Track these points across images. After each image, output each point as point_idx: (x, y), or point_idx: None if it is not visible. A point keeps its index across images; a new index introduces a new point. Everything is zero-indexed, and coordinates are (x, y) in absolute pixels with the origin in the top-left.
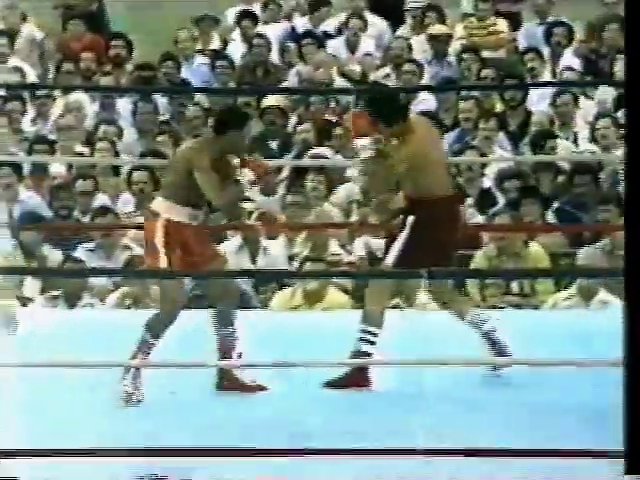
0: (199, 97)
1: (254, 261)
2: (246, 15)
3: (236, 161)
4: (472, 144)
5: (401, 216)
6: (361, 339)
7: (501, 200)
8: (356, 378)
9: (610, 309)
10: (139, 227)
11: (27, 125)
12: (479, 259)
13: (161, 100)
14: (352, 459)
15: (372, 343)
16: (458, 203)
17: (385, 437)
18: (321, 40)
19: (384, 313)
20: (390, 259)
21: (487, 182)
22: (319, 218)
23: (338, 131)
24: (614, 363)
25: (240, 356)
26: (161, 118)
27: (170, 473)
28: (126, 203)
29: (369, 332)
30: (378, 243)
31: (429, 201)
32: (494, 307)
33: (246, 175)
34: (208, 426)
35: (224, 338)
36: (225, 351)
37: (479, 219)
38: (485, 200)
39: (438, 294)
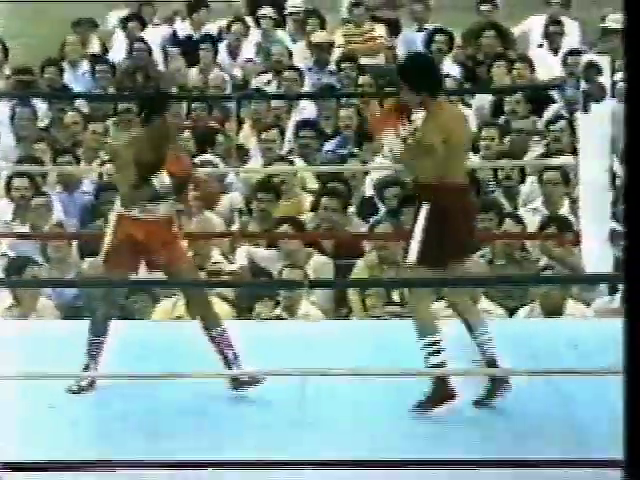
0: (80, 103)
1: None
2: (132, 18)
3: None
4: (354, 152)
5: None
6: (427, 354)
7: (382, 208)
8: (443, 394)
9: (492, 317)
10: (19, 236)
11: None
12: (360, 268)
13: (41, 106)
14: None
15: (438, 352)
16: (471, 193)
17: None
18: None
19: (434, 318)
20: (411, 257)
21: (369, 190)
22: (201, 227)
23: (220, 138)
24: (614, 372)
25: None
26: (40, 124)
27: None
28: (3, 211)
29: (430, 344)
30: (260, 252)
31: (448, 188)
32: (376, 317)
33: (164, 180)
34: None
35: None
36: None
37: (361, 228)
38: (366, 208)
39: (453, 302)
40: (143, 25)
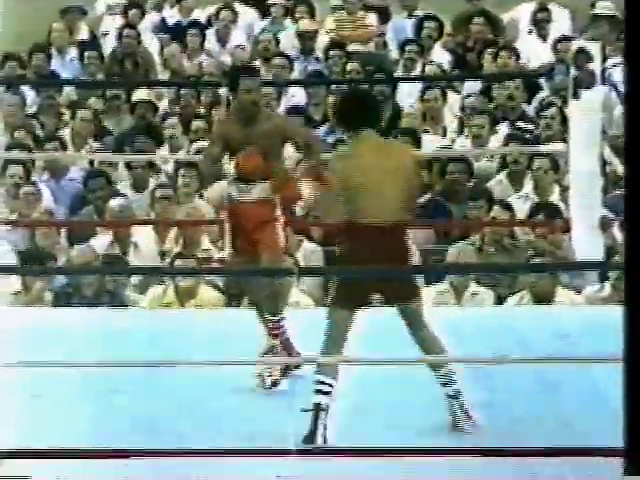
0: (69, 89)
1: (124, 257)
2: (133, 6)
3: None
4: (342, 139)
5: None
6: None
7: None
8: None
9: (482, 302)
10: (7, 222)
11: None
12: None
13: (29, 93)
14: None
15: (326, 393)
16: (390, 233)
17: None
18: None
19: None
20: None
21: None
22: (190, 214)
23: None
24: (614, 360)
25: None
26: (28, 111)
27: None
28: None
29: (321, 382)
30: None
31: (357, 228)
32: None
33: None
34: None
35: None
36: None
37: None
38: None
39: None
40: (143, 13)
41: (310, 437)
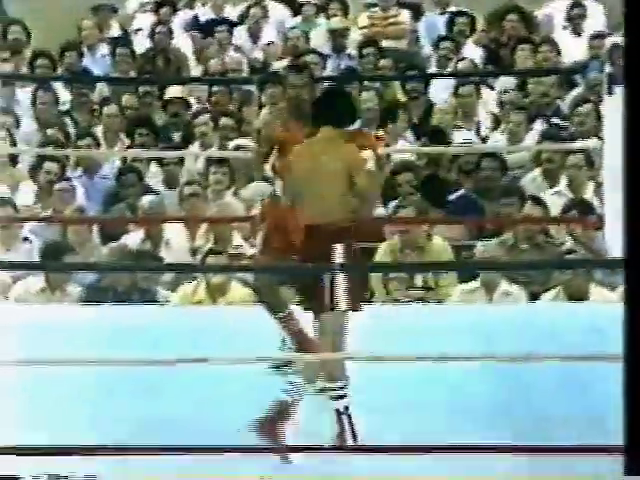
0: (101, 87)
1: (156, 254)
2: (165, 3)
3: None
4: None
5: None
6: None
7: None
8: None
9: (513, 301)
10: (40, 219)
11: None
12: (382, 252)
13: (61, 90)
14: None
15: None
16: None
17: None
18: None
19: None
20: None
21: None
22: (221, 211)
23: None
24: (614, 358)
25: None
26: (61, 108)
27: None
28: (26, 194)
29: (341, 391)
30: None
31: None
32: (398, 301)
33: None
34: None
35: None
36: None
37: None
38: (387, 193)
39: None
40: (174, 10)
41: (340, 436)
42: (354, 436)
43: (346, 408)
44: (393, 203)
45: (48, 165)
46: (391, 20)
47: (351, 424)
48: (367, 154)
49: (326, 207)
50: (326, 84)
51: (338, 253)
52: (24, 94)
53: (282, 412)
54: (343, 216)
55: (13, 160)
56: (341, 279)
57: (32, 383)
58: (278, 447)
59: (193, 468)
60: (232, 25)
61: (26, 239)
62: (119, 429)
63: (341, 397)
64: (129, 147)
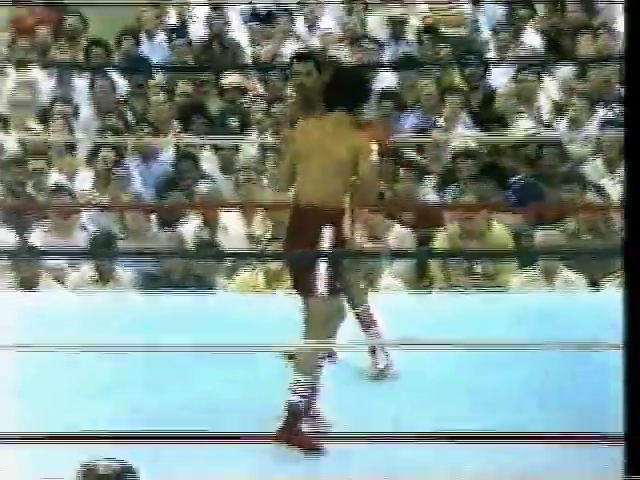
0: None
1: (213, 241)
2: None
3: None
4: (436, 122)
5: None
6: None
7: (461, 179)
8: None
9: (573, 288)
10: (97, 206)
11: None
12: (442, 239)
13: (118, 78)
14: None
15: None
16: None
17: None
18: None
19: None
20: None
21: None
22: (279, 197)
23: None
24: (613, 346)
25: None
26: (118, 96)
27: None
28: (83, 182)
29: (302, 388)
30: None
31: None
32: (458, 288)
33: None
34: None
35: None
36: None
37: (436, 198)
38: (447, 179)
39: None
40: None
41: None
42: (291, 430)
43: (299, 401)
44: (452, 190)
45: (104, 152)
46: (450, 7)
47: (296, 419)
48: (373, 146)
49: (325, 190)
50: (384, 71)
51: (326, 237)
52: (81, 82)
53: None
54: (340, 200)
55: (71, 148)
56: (325, 265)
57: (83, 369)
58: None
59: (238, 456)
60: (290, 13)
61: (84, 227)
62: (171, 416)
63: (293, 391)
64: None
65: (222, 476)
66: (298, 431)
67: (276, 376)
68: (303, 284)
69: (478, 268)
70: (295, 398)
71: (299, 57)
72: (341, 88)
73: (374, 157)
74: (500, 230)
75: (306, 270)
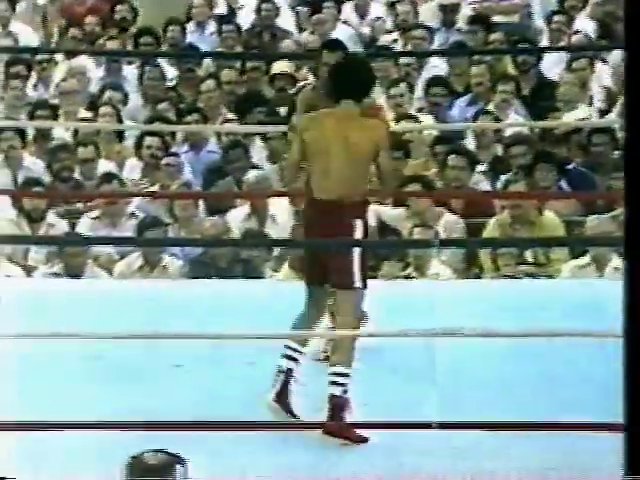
0: (208, 62)
1: (262, 230)
2: None
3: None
4: (486, 109)
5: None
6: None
7: (513, 167)
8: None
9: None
10: (146, 194)
11: (30, 90)
12: (492, 228)
13: (166, 66)
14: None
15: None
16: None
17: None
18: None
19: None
20: None
21: (500, 149)
22: None
23: None
24: (613, 335)
25: None
26: (167, 84)
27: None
28: (132, 170)
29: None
30: (388, 211)
31: (309, 203)
32: (508, 277)
33: None
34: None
35: None
36: None
37: (487, 186)
38: (498, 167)
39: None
40: None
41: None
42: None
43: (343, 393)
44: (503, 177)
45: (149, 140)
46: None
47: (341, 409)
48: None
49: (349, 183)
50: (435, 58)
51: (358, 229)
52: (131, 71)
53: (340, 407)
54: (364, 192)
55: (119, 136)
56: (358, 257)
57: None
58: (357, 441)
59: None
60: (339, 1)
61: (133, 214)
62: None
63: (336, 383)
64: (239, 123)
65: (272, 466)
66: (345, 423)
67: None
68: (337, 276)
69: (529, 256)
70: (338, 390)
71: (329, 46)
72: (348, 79)
73: (389, 144)
74: (551, 218)
75: (341, 262)
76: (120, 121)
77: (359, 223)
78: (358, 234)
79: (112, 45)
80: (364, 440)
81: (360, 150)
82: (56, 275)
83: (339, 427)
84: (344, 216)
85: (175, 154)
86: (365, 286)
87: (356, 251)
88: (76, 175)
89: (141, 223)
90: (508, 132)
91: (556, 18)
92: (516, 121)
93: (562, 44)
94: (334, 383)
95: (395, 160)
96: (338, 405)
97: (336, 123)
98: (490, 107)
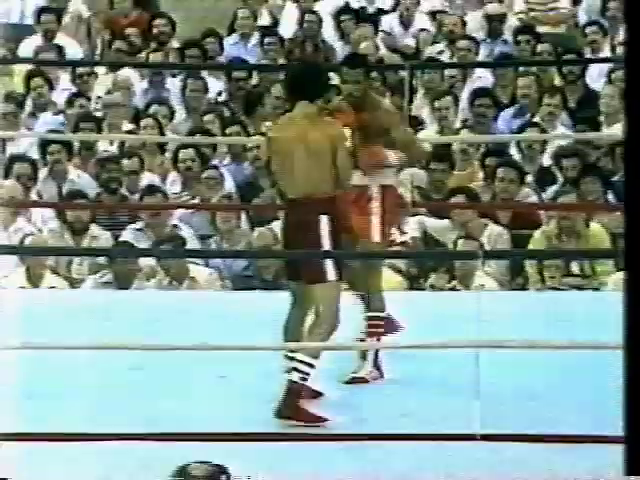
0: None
1: None
2: None
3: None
4: (533, 121)
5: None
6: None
7: (560, 179)
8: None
9: None
10: (187, 207)
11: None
12: (538, 239)
13: (210, 78)
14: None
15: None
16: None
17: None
18: (361, 16)
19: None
20: None
21: (546, 160)
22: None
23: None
24: (614, 347)
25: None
26: (215, 98)
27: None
28: (174, 182)
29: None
30: (433, 222)
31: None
32: (554, 288)
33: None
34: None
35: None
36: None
37: (535, 198)
38: (545, 178)
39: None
40: None
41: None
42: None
43: (302, 380)
44: (551, 189)
45: (184, 153)
46: (550, 5)
47: (297, 395)
48: (345, 130)
49: (312, 182)
50: (480, 69)
51: (323, 224)
52: (175, 83)
53: (296, 391)
54: (326, 189)
55: (161, 148)
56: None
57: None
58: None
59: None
60: (383, 12)
61: (175, 226)
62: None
63: (297, 370)
64: None
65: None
66: (297, 407)
67: None
68: (313, 272)
69: (575, 268)
70: (297, 377)
71: (349, 63)
72: (299, 82)
73: (348, 143)
74: (598, 230)
75: (314, 259)
76: (162, 133)
77: (324, 219)
78: (324, 230)
79: (155, 58)
80: (319, 420)
81: (318, 148)
82: (105, 285)
83: (291, 410)
84: (309, 213)
85: (215, 167)
86: (340, 279)
87: (325, 245)
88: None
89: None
90: (555, 144)
91: (589, 30)
92: (562, 133)
93: (602, 55)
94: (295, 369)
95: (441, 172)
96: (294, 390)
97: (295, 124)
98: (536, 119)
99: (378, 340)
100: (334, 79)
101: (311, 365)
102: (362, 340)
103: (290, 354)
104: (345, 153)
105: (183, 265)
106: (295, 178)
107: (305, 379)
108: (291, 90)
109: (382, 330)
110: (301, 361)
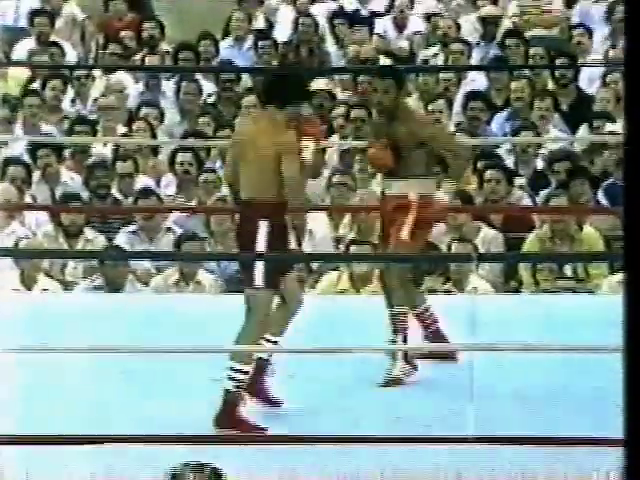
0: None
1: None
2: None
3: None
4: (526, 124)
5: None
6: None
7: (553, 182)
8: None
9: None
10: (183, 209)
11: (67, 105)
12: (532, 242)
13: (204, 81)
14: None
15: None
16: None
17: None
18: (353, 19)
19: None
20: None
21: (540, 163)
22: (364, 200)
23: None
24: (614, 349)
25: (405, 340)
26: (204, 99)
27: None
28: (168, 185)
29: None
30: None
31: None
32: (548, 291)
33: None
34: None
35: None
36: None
37: (528, 201)
38: (538, 182)
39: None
40: (313, 0)
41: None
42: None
43: (236, 388)
44: (544, 192)
45: (181, 156)
46: (543, 8)
47: (233, 404)
48: (308, 143)
49: (256, 186)
50: (473, 73)
51: (262, 231)
52: (170, 86)
53: (232, 400)
54: (270, 195)
55: (154, 151)
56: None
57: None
58: (254, 431)
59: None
60: (377, 15)
61: (169, 229)
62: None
63: (231, 378)
64: None
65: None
66: (235, 416)
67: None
68: (244, 276)
69: (568, 271)
70: (231, 385)
71: (381, 74)
72: (272, 86)
73: (302, 155)
74: (591, 233)
75: (245, 262)
76: (154, 136)
77: (265, 224)
78: (262, 235)
79: (151, 61)
80: (257, 429)
81: (264, 154)
82: (97, 289)
83: (229, 420)
84: (251, 216)
85: (213, 170)
86: (272, 286)
87: (258, 250)
88: (112, 191)
89: (180, 238)
90: (546, 147)
91: (575, 32)
92: (556, 136)
93: (591, 58)
94: (229, 377)
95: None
96: (229, 400)
97: (252, 127)
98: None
99: (405, 336)
100: (312, 87)
101: (244, 372)
102: (392, 340)
103: (228, 362)
104: (292, 163)
105: (193, 268)
106: (244, 179)
107: (239, 387)
108: (262, 94)
109: (407, 326)
110: (234, 369)
